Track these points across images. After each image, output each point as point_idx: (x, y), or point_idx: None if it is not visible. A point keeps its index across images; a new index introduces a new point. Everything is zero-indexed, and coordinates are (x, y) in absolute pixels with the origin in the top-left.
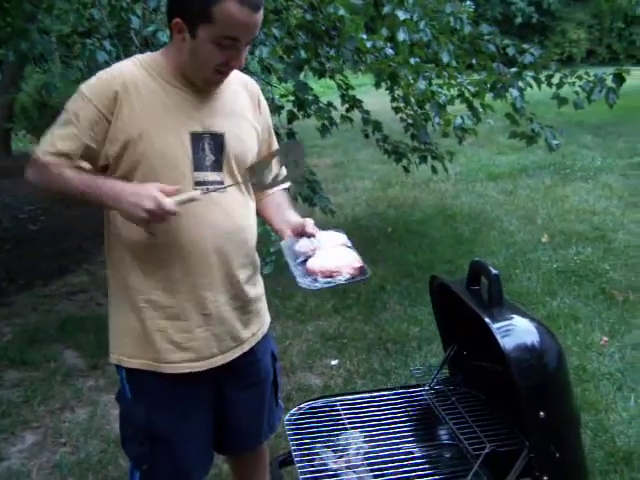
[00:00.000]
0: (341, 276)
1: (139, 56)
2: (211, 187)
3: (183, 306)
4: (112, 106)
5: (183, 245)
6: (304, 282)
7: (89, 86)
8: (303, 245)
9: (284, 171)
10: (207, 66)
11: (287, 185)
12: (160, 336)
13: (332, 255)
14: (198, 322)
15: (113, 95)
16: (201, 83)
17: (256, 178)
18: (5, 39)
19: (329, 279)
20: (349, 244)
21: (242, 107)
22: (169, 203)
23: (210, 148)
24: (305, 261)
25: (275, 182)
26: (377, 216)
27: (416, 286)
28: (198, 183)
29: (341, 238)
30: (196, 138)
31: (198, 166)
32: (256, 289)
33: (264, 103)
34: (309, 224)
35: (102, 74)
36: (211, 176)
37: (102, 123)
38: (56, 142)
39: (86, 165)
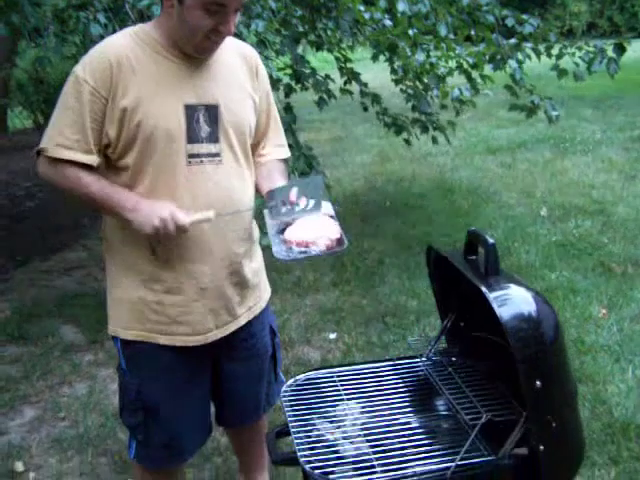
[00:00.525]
0: (316, 247)
1: (131, 29)
2: (226, 214)
3: (179, 280)
4: (107, 82)
5: None
6: (279, 251)
7: (82, 66)
8: (284, 213)
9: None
10: (196, 33)
11: (287, 155)
12: (156, 309)
13: (310, 225)
14: (194, 296)
15: (107, 72)
16: (193, 51)
17: (273, 203)
18: None
19: (304, 249)
20: (332, 213)
21: (238, 77)
22: (183, 217)
23: (205, 120)
24: (284, 230)
25: (290, 213)
26: (375, 190)
27: (415, 259)
28: (192, 155)
29: (325, 207)
30: (190, 110)
31: (192, 138)
32: (254, 263)
33: (262, 71)
34: (293, 192)
35: (93, 52)
36: (206, 148)
37: (100, 101)
38: (63, 130)
39: (96, 160)
